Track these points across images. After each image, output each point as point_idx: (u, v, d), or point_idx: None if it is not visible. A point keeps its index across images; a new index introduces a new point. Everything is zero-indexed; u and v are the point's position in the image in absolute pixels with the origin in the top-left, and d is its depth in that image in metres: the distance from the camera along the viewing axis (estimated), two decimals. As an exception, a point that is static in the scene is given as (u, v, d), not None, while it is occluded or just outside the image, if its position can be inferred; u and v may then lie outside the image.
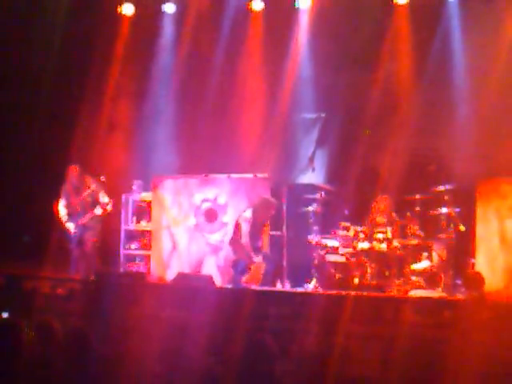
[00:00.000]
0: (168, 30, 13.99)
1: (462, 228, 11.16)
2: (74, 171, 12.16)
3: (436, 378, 4.86)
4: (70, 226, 12.08)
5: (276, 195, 11.92)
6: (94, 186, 12.14)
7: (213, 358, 5.58)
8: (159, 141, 14.10)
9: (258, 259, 11.29)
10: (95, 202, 12.10)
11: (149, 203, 13.12)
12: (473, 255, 11.25)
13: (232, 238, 11.58)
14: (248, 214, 11.45)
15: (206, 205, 12.47)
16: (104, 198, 12.11)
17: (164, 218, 12.67)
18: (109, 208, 12.17)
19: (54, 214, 12.17)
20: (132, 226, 13.54)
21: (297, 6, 13.24)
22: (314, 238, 11.82)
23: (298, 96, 13.39)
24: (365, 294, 10.43)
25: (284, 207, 12.07)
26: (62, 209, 12.16)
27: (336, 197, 12.55)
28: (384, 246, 11.37)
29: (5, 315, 7.24)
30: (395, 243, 11.34)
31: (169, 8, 13.93)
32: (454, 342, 5.93)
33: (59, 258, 11.78)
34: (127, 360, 5.49)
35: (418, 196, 11.60)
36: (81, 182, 12.15)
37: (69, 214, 12.12)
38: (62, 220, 12.12)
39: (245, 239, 11.33)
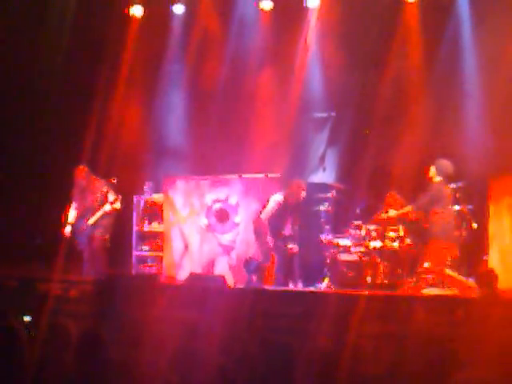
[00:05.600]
0: (177, 30, 14.01)
1: (475, 225, 11.12)
2: (81, 172, 12.13)
3: (448, 377, 4.85)
4: (78, 227, 12.11)
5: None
6: (104, 188, 12.13)
7: (225, 358, 5.58)
8: (170, 141, 14.12)
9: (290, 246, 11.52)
10: (104, 203, 12.10)
11: (160, 205, 13.12)
12: (486, 252, 11.23)
13: (257, 216, 11.58)
14: (278, 197, 11.44)
15: (218, 205, 12.48)
16: (111, 197, 12.09)
17: (174, 218, 12.70)
18: (117, 205, 12.14)
19: (65, 217, 12.19)
20: (144, 228, 13.53)
21: (306, 5, 13.22)
22: (326, 237, 11.81)
23: (308, 95, 13.40)
24: (377, 292, 10.41)
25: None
26: (71, 211, 12.16)
27: (347, 196, 12.54)
28: (396, 244, 11.35)
29: (27, 318, 7.24)
30: (408, 241, 11.31)
31: (178, 9, 13.96)
32: (467, 341, 5.90)
33: (71, 260, 11.79)
34: (140, 361, 5.49)
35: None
36: (88, 183, 12.11)
37: (78, 216, 12.12)
38: (72, 222, 12.14)
39: (265, 217, 11.34)
